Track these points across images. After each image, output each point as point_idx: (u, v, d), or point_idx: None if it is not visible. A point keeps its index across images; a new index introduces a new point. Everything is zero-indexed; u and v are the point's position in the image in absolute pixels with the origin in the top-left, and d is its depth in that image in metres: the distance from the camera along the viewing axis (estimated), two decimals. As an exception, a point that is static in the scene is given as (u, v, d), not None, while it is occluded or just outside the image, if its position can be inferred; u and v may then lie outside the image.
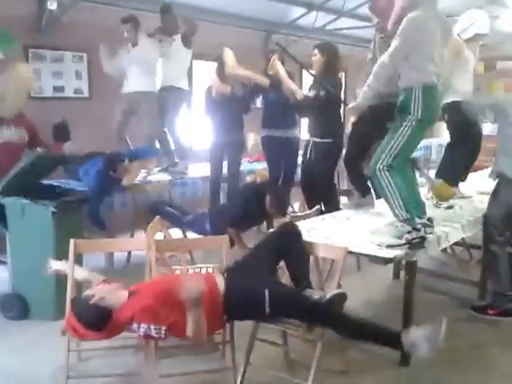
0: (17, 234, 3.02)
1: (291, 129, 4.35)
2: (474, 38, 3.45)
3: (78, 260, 3.06)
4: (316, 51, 3.86)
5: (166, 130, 4.57)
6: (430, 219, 2.59)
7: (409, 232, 2.46)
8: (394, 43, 2.50)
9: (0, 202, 3.00)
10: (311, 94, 3.87)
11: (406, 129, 2.52)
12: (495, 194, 3.05)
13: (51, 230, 2.92)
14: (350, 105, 2.84)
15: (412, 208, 2.54)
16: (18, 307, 3.01)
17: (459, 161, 3.55)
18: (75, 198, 3.19)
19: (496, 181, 3.08)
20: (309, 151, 3.98)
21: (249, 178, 4.60)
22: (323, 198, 3.96)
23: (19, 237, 3.01)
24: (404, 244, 2.43)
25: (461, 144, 3.49)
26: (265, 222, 3.88)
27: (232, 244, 2.97)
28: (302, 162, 4.11)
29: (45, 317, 2.90)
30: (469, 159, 3.63)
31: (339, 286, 2.28)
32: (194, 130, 5.34)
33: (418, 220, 2.53)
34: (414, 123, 2.51)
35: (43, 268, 2.38)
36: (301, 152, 4.24)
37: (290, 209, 4.56)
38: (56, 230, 2.93)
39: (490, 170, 3.68)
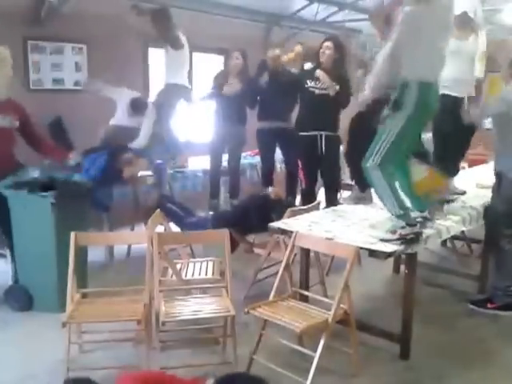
0: (19, 226, 3.02)
1: (286, 120, 4.39)
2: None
3: (83, 252, 3.09)
4: (329, 44, 3.85)
5: (161, 125, 4.56)
6: (430, 213, 2.57)
7: (402, 227, 2.45)
8: (394, 34, 2.45)
9: (3, 194, 2.99)
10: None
11: (397, 126, 2.46)
12: (497, 189, 3.04)
13: (51, 222, 2.92)
14: (359, 98, 2.80)
15: (406, 204, 2.50)
16: (23, 299, 3.02)
17: (451, 153, 3.47)
18: (76, 190, 3.17)
19: (496, 177, 3.07)
20: (319, 145, 3.98)
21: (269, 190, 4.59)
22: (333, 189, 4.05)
23: (22, 228, 3.01)
24: (397, 239, 2.41)
25: (449, 137, 3.38)
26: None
27: (233, 248, 2.97)
28: (309, 156, 4.10)
29: (48, 309, 2.90)
30: (458, 152, 3.53)
31: (346, 285, 2.27)
32: (193, 123, 5.32)
33: (418, 214, 2.51)
34: (405, 120, 2.44)
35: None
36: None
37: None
38: (56, 221, 2.93)
39: (490, 164, 3.64)
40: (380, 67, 2.53)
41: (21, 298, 3.03)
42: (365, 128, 3.16)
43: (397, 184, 2.49)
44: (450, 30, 2.62)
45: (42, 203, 2.93)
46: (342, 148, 4.14)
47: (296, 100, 4.26)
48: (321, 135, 3.98)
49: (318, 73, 3.92)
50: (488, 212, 3.09)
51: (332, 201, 3.96)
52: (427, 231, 2.55)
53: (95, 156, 3.87)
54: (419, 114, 2.48)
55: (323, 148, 3.99)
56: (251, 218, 3.45)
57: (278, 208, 3.59)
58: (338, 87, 3.87)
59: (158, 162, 4.48)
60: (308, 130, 4.03)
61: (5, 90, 3.13)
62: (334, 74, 3.89)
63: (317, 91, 3.94)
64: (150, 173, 4.29)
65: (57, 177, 3.14)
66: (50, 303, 2.93)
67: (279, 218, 3.25)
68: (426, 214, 2.55)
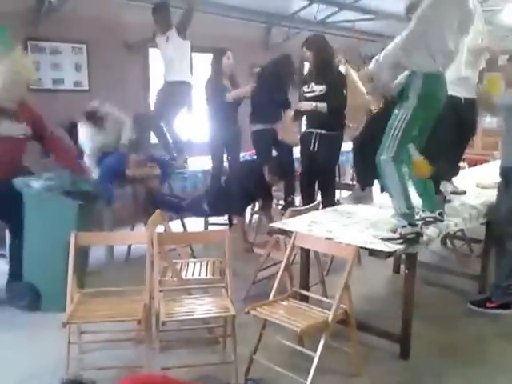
0: (34, 225, 3.01)
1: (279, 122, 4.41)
2: None
3: (84, 252, 3.09)
4: (304, 49, 3.88)
5: (163, 124, 4.56)
6: (441, 213, 2.59)
7: (403, 226, 2.44)
8: (410, 24, 2.40)
9: (19, 190, 2.99)
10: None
11: (403, 117, 2.45)
12: (504, 187, 3.00)
13: (75, 223, 2.93)
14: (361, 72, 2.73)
15: (412, 203, 2.49)
16: (30, 294, 3.00)
17: (448, 153, 3.44)
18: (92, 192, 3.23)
19: (501, 175, 3.04)
20: (312, 143, 3.98)
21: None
22: (325, 189, 4.01)
23: (36, 227, 3.01)
24: (397, 238, 2.41)
25: (445, 136, 3.35)
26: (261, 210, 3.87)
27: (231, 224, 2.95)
28: (302, 155, 4.11)
29: (55, 309, 2.82)
30: (457, 152, 3.50)
31: (346, 284, 2.28)
32: (194, 122, 5.32)
33: (428, 213, 2.51)
34: (410, 111, 2.44)
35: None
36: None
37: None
38: (79, 222, 2.95)
39: (491, 163, 3.64)
40: (386, 52, 2.46)
41: (27, 296, 2.99)
42: (379, 128, 3.11)
43: (408, 182, 2.48)
44: (463, 25, 2.52)
45: (66, 204, 2.96)
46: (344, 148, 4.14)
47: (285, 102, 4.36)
48: (316, 133, 3.96)
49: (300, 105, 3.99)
50: (493, 211, 3.07)
51: (328, 205, 3.92)
52: (430, 232, 2.55)
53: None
54: (424, 105, 2.45)
55: (316, 145, 3.98)
56: (246, 182, 3.42)
57: (271, 164, 3.58)
58: (324, 105, 3.81)
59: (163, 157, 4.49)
60: (305, 129, 4.07)
61: (20, 97, 3.11)
62: (320, 75, 3.88)
63: (308, 95, 3.97)
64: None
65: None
66: (57, 303, 2.80)
67: (273, 172, 3.20)
68: (436, 214, 2.55)
